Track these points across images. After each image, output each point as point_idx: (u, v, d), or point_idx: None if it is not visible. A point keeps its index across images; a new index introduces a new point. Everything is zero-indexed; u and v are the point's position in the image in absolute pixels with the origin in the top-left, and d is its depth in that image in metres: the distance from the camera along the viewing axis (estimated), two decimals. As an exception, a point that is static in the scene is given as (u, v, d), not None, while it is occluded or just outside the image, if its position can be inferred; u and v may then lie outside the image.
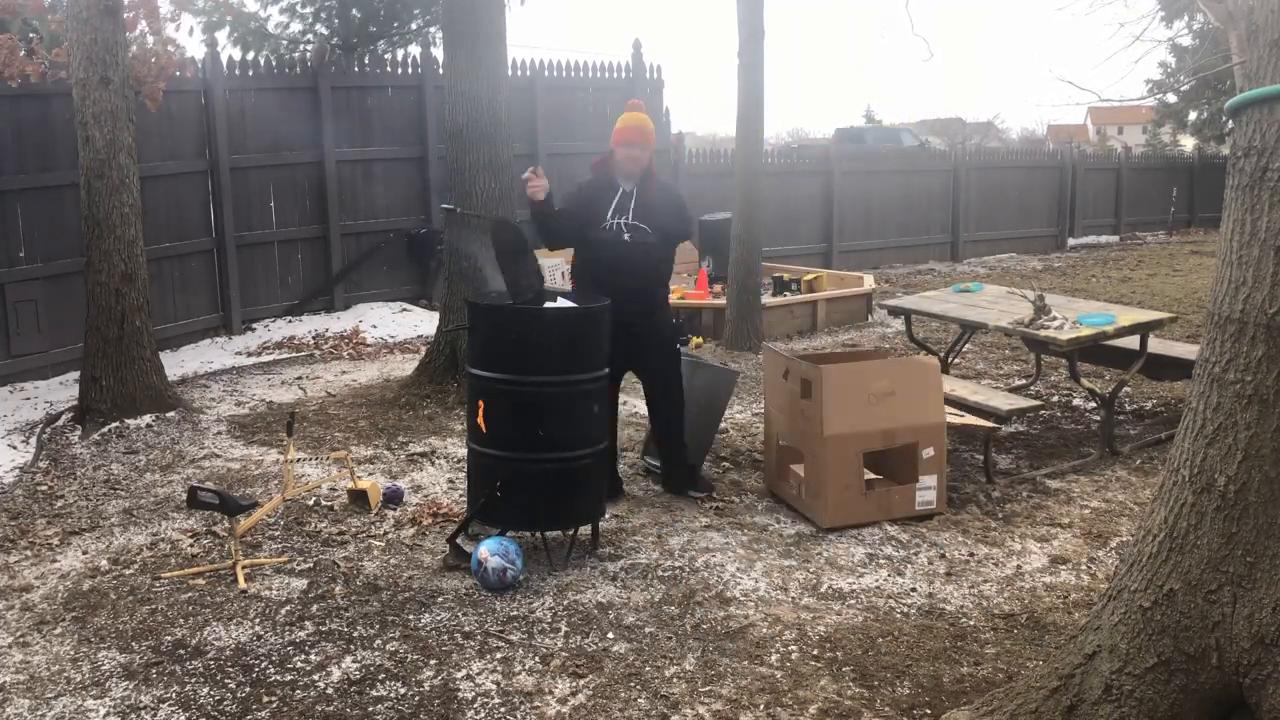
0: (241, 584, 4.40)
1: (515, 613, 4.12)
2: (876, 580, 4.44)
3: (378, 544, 4.88)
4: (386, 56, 12.90)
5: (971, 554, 4.73)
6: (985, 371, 8.41)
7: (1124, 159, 20.40)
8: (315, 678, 3.65)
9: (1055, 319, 6.03)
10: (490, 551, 4.29)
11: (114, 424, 6.66)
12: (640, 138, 5.16)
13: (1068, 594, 4.33)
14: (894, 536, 4.90)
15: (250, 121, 10.17)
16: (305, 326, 10.19)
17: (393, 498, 5.41)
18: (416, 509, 5.30)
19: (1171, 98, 22.48)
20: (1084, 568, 4.60)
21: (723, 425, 6.40)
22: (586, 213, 5.17)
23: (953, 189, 16.74)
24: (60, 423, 6.98)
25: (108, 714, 3.44)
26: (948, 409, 5.33)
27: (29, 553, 4.83)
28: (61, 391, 7.72)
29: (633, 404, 7.44)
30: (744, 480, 5.69)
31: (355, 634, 3.97)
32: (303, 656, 3.80)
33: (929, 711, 3.41)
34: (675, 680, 3.61)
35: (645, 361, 5.32)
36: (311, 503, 5.40)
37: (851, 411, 4.91)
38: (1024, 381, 7.90)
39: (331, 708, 3.45)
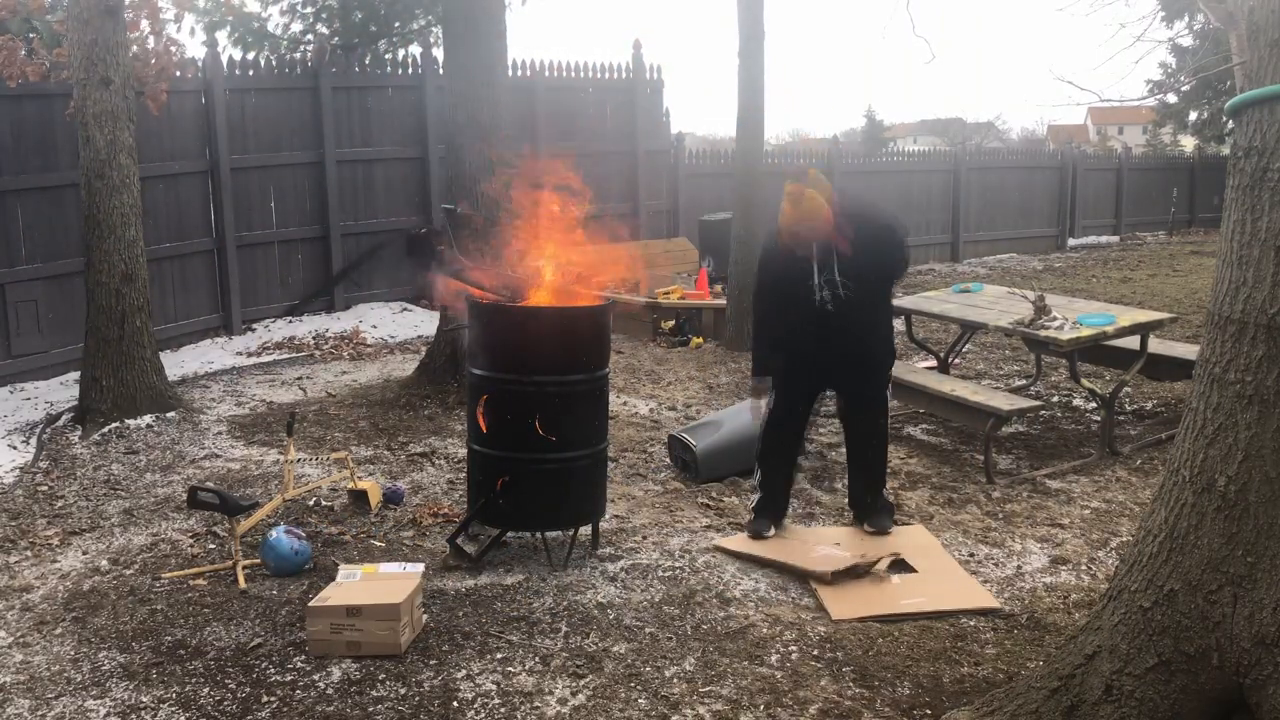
0: (241, 584, 4.40)
1: (515, 613, 4.12)
2: (877, 580, 4.43)
3: (378, 544, 4.88)
4: (387, 56, 12.91)
5: (972, 554, 4.73)
6: (985, 371, 8.41)
7: (1124, 159, 20.40)
8: (315, 678, 3.65)
9: (1055, 319, 6.03)
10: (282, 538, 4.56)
11: (114, 424, 6.66)
12: (809, 223, 4.48)
13: (1068, 594, 4.32)
14: (894, 537, 4.89)
15: (250, 121, 10.17)
16: (305, 327, 10.19)
17: (393, 498, 5.41)
18: (417, 509, 5.30)
19: (1172, 98, 22.48)
20: (1084, 568, 4.60)
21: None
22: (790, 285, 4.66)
23: (953, 189, 16.75)
24: (60, 423, 6.98)
25: (108, 714, 3.44)
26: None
27: (29, 553, 4.83)
28: (61, 391, 7.72)
29: (633, 405, 7.43)
30: (743, 480, 5.68)
31: (355, 634, 3.96)
32: (303, 656, 3.79)
33: (929, 711, 3.41)
34: (675, 680, 3.61)
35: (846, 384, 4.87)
36: (311, 503, 5.40)
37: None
38: (1024, 382, 7.90)
39: (331, 708, 3.45)
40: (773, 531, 4.88)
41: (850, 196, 4.67)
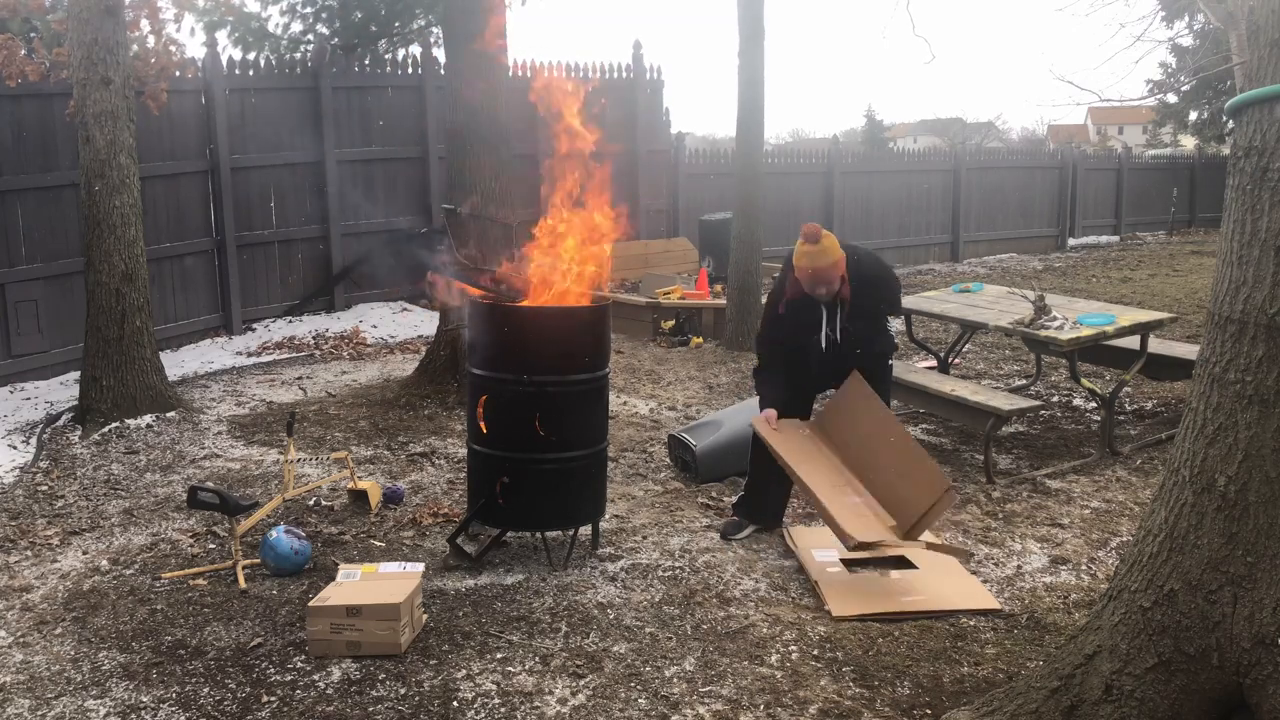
0: (241, 584, 4.40)
1: (515, 613, 4.12)
2: (877, 580, 4.43)
3: (378, 544, 4.88)
4: (387, 56, 12.92)
5: (971, 554, 4.73)
6: (985, 371, 8.41)
7: (1124, 159, 20.40)
8: (315, 678, 3.65)
9: (1055, 319, 6.03)
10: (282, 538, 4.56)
11: (114, 424, 6.66)
12: (825, 281, 4.61)
13: (1068, 594, 4.32)
14: (894, 536, 4.89)
15: (250, 121, 10.17)
16: (305, 326, 10.19)
17: (393, 498, 5.41)
18: (417, 509, 5.30)
19: (1172, 98, 22.49)
20: (1084, 568, 4.60)
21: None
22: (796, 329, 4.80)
23: (953, 189, 16.75)
24: (60, 423, 6.98)
25: (108, 714, 3.44)
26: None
27: (29, 553, 4.83)
28: (61, 391, 7.72)
29: (633, 404, 7.43)
30: (742, 479, 5.67)
31: (355, 634, 3.96)
32: (303, 656, 3.79)
33: (929, 711, 3.41)
34: (675, 680, 3.61)
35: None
36: (312, 503, 5.40)
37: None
38: (1024, 381, 7.90)
39: (331, 708, 3.45)
40: (748, 532, 4.93)
41: (850, 245, 4.80)
